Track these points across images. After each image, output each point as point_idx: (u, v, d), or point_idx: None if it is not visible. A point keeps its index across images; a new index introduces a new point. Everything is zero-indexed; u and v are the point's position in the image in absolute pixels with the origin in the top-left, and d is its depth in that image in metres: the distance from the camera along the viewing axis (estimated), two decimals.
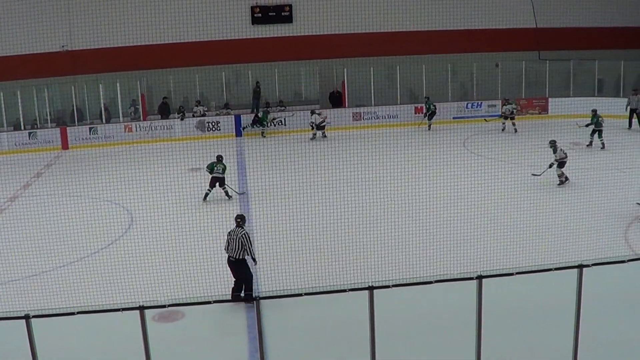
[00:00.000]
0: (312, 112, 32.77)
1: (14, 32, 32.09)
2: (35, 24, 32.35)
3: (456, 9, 35.76)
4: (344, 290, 9.86)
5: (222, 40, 34.93)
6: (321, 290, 10.14)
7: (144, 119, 34.22)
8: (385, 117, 35.28)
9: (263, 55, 35.53)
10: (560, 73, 36.40)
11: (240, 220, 15.09)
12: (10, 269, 16.72)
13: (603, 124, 27.88)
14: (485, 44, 36.65)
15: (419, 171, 21.76)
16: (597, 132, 27.97)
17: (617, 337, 12.50)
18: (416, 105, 35.23)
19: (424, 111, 34.37)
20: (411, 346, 12.21)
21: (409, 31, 35.95)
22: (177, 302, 11.65)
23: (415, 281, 10.37)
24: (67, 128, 32.72)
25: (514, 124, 32.44)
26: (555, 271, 10.35)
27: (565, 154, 22.97)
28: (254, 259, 14.97)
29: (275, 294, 10.74)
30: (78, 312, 9.33)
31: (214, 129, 33.95)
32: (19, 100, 32.11)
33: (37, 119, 33.50)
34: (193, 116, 34.39)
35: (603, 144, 27.84)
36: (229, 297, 14.56)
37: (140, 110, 34.61)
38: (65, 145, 32.29)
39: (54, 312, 9.47)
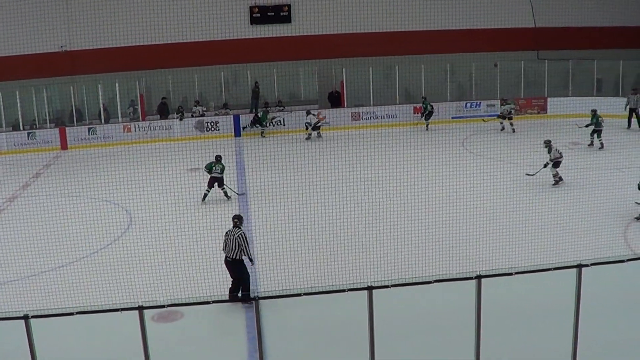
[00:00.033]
0: (308, 113, 32.77)
1: (13, 32, 32.07)
2: (34, 24, 32.32)
3: (455, 9, 35.74)
4: (343, 290, 9.87)
5: (221, 40, 34.91)
6: (320, 290, 10.15)
7: (143, 119, 34.20)
8: (384, 117, 35.26)
9: (262, 55, 35.52)
10: (559, 73, 36.38)
11: (238, 220, 15.09)
12: (9, 269, 16.73)
13: (603, 124, 27.88)
14: (484, 44, 36.64)
15: (418, 171, 21.75)
16: (596, 132, 27.96)
17: (617, 337, 12.51)
18: (415, 105, 35.18)
19: (422, 111, 34.36)
20: (410, 346, 12.22)
21: (407, 31, 35.90)
22: (176, 302, 11.62)
23: (414, 281, 10.38)
24: (66, 128, 32.71)
25: (511, 124, 32.43)
26: (554, 271, 10.36)
27: (560, 153, 22.96)
28: (250, 259, 14.97)
29: (274, 294, 10.74)
30: (77, 313, 9.34)
31: (212, 129, 33.94)
32: (18, 101, 32.10)
33: (36, 119, 33.48)
34: (192, 116, 34.38)
35: (602, 144, 27.85)
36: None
37: (139, 110, 34.59)
38: (64, 146, 32.29)
39: (53, 312, 9.48)
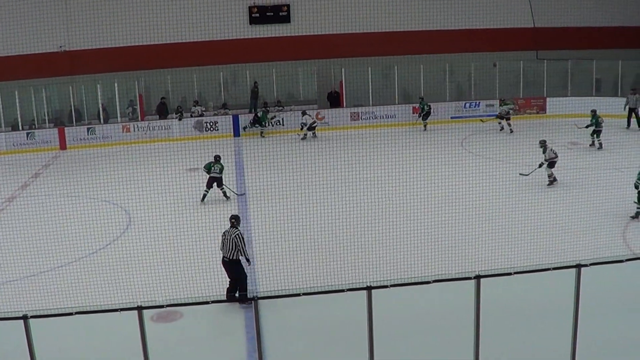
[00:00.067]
0: (304, 113, 32.76)
1: (12, 32, 32.09)
2: (33, 24, 32.34)
3: (454, 9, 35.76)
4: (342, 290, 9.88)
5: (220, 41, 34.93)
6: (319, 290, 10.15)
7: (142, 119, 34.21)
8: (383, 117, 35.26)
9: (261, 55, 35.53)
10: (558, 72, 36.39)
11: (235, 220, 15.09)
12: (8, 269, 16.73)
13: (602, 124, 27.86)
14: (483, 44, 36.65)
15: (417, 171, 21.75)
16: (596, 132, 27.93)
17: (616, 336, 12.51)
18: (414, 105, 35.17)
19: (419, 112, 34.33)
20: (409, 346, 12.22)
21: (406, 31, 35.91)
22: (176, 302, 11.64)
23: (413, 281, 10.38)
24: (65, 128, 32.71)
25: (509, 125, 32.39)
26: (553, 271, 10.36)
27: (555, 154, 22.96)
28: (247, 259, 14.97)
29: (273, 294, 10.74)
30: (76, 313, 9.34)
31: (211, 129, 33.93)
32: (17, 101, 32.09)
33: (35, 119, 33.47)
34: (191, 116, 34.37)
35: (600, 144, 27.84)
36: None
37: (138, 110, 34.60)
38: (63, 146, 32.28)
39: (52, 312, 9.47)
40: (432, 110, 34.05)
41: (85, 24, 33.33)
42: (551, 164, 22.89)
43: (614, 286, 13.58)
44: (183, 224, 19.61)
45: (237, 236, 14.65)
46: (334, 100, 36.27)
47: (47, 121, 33.79)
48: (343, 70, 35.56)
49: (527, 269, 10.52)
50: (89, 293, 14.88)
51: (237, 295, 14.59)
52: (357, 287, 9.83)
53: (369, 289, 9.75)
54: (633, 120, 32.02)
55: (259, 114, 33.81)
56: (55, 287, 15.32)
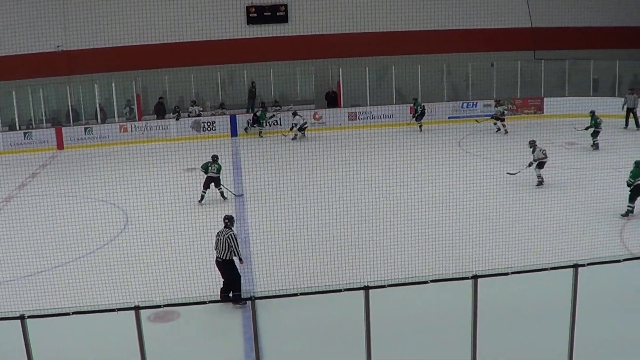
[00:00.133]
0: (295, 114, 32.75)
1: (9, 32, 32.08)
2: (31, 24, 32.33)
3: (452, 9, 35.79)
4: (340, 290, 9.87)
5: (218, 40, 34.92)
6: (317, 290, 10.14)
7: (139, 119, 34.19)
8: (380, 117, 35.27)
9: (258, 55, 35.52)
10: (556, 72, 36.41)
11: (229, 221, 15.09)
12: (5, 269, 16.73)
13: (601, 125, 27.85)
14: (481, 44, 36.69)
15: (414, 171, 21.75)
16: (595, 133, 27.90)
17: (613, 337, 12.52)
18: (411, 105, 35.09)
19: (413, 112, 34.24)
20: (407, 346, 12.23)
21: (404, 31, 35.96)
22: (173, 302, 11.63)
23: (410, 281, 10.38)
24: (63, 128, 32.68)
25: (504, 126, 32.32)
26: (550, 271, 10.37)
27: (545, 154, 22.95)
28: (240, 259, 14.96)
29: (270, 294, 10.74)
30: (73, 313, 9.33)
31: (209, 129, 33.93)
32: (14, 100, 32.08)
33: (33, 119, 33.44)
34: (188, 116, 34.35)
35: (597, 144, 27.81)
36: (229, 298, 14.58)
37: (136, 110, 34.58)
38: (60, 146, 32.25)
39: (49, 312, 9.46)
40: (426, 111, 33.97)
41: (82, 23, 33.30)
42: (540, 164, 22.89)
43: (611, 286, 13.60)
44: (180, 224, 19.61)
45: (230, 237, 14.65)
46: (332, 100, 36.27)
47: (44, 121, 33.74)
48: (340, 70, 35.56)
49: (525, 269, 10.52)
50: (86, 293, 14.87)
51: (230, 295, 14.59)
52: (355, 287, 9.82)
53: (366, 289, 9.74)
54: (631, 120, 32.06)
55: (257, 114, 33.81)
56: (53, 287, 15.30)
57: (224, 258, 14.62)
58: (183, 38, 34.70)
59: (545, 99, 36.06)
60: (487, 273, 10.18)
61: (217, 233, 14.91)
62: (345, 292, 9.83)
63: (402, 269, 15.59)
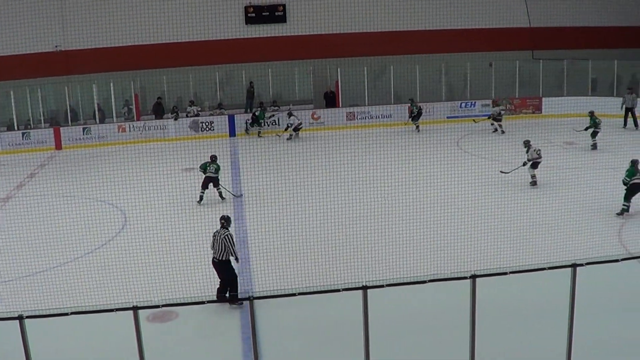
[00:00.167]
0: (290, 114, 32.76)
1: (7, 32, 32.03)
2: (29, 24, 32.29)
3: (450, 9, 35.76)
4: (338, 290, 9.87)
5: (216, 40, 34.92)
6: (315, 290, 10.13)
7: (138, 119, 34.17)
8: (379, 117, 35.27)
9: (257, 55, 35.52)
10: (554, 72, 36.44)
11: (225, 221, 15.09)
12: (3, 269, 16.71)
13: (600, 125, 27.84)
14: (479, 44, 36.69)
15: (412, 171, 21.77)
16: (594, 133, 27.89)
17: (611, 336, 12.53)
18: (409, 105, 35.16)
19: (410, 113, 34.18)
20: (405, 346, 12.24)
21: (402, 31, 35.94)
22: (171, 303, 11.63)
23: (409, 280, 10.37)
24: (61, 128, 32.66)
25: (500, 126, 32.31)
26: (549, 270, 10.36)
27: (539, 154, 22.95)
28: (236, 258, 14.95)
29: (269, 294, 10.73)
30: (72, 313, 9.32)
31: (207, 129, 33.92)
32: (12, 101, 32.05)
33: (31, 119, 33.42)
34: (187, 116, 34.34)
35: (595, 144, 27.80)
36: (225, 298, 14.58)
37: (134, 110, 34.56)
38: (58, 146, 32.24)
39: (48, 312, 9.45)
40: (423, 111, 33.91)
41: (80, 23, 33.29)
42: (534, 164, 22.90)
43: (609, 286, 13.61)
44: (179, 224, 19.60)
45: (226, 237, 14.66)
46: (330, 100, 36.28)
47: (42, 121, 33.73)
48: (339, 70, 35.57)
49: (523, 269, 10.51)
50: (84, 293, 14.87)
51: (227, 295, 14.59)
52: (353, 286, 9.82)
53: (364, 288, 9.74)
54: (629, 119, 32.08)
55: (256, 113, 33.81)
56: (51, 288, 15.29)
57: (220, 258, 14.63)
58: (181, 38, 34.69)
59: (543, 99, 36.06)
60: (485, 273, 10.18)
61: (214, 233, 14.92)
62: (344, 292, 9.83)
63: (400, 269, 15.59)
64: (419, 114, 33.67)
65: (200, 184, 22.38)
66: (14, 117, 32.38)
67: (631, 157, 20.13)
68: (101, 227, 20.10)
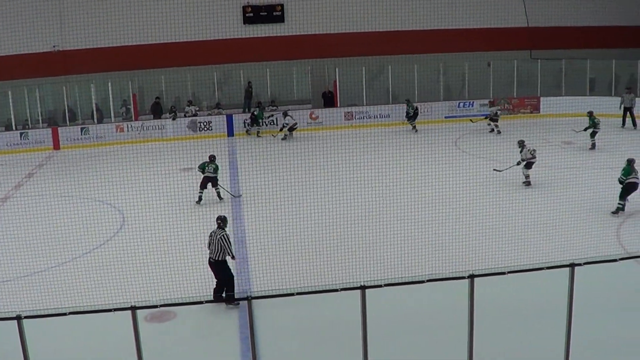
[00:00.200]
0: (285, 115, 32.75)
1: (5, 32, 32.03)
2: (27, 24, 32.25)
3: (448, 9, 35.82)
4: (336, 290, 9.86)
5: (214, 40, 34.89)
6: (313, 289, 10.13)
7: (136, 119, 34.15)
8: (377, 117, 35.26)
9: (255, 55, 35.50)
10: (552, 72, 36.44)
11: (221, 222, 15.07)
12: (1, 269, 16.71)
13: (599, 125, 27.84)
14: (477, 43, 36.70)
15: (410, 170, 21.77)
16: (593, 133, 27.88)
17: (609, 336, 12.54)
18: (406, 105, 35.16)
19: (406, 114, 34.16)
20: (403, 346, 12.24)
21: (400, 31, 35.96)
22: (169, 302, 11.62)
23: (407, 280, 10.37)
24: (59, 128, 32.62)
25: (496, 126, 32.28)
26: (547, 270, 10.36)
27: (533, 155, 22.95)
28: (232, 257, 14.94)
29: (267, 294, 10.73)
30: (70, 313, 9.31)
31: (205, 129, 33.90)
32: (10, 101, 32.00)
33: (29, 119, 33.39)
34: (185, 116, 34.32)
35: (594, 144, 27.82)
36: (222, 298, 14.58)
37: (132, 110, 34.55)
38: (56, 146, 32.21)
39: (46, 312, 9.45)
40: (419, 111, 33.85)
41: (78, 23, 33.24)
42: (528, 164, 22.90)
43: (607, 285, 13.61)
44: (177, 223, 19.58)
45: (222, 237, 14.65)
46: (328, 100, 36.26)
47: (40, 121, 33.71)
48: (337, 69, 35.56)
49: (521, 268, 10.51)
50: (83, 293, 14.85)
51: (223, 295, 14.59)
52: (351, 286, 9.81)
53: (362, 288, 9.74)
54: (628, 119, 32.10)
55: (255, 113, 33.81)
56: (49, 288, 15.29)
57: (216, 259, 14.62)
58: (179, 38, 34.68)
59: (541, 99, 36.04)
60: (483, 272, 10.18)
61: (210, 233, 14.91)
62: (342, 291, 9.83)
63: (398, 269, 15.61)
64: (415, 114, 33.65)
65: (199, 184, 22.36)
66: (12, 117, 32.31)
67: (629, 157, 20.18)
68: (99, 227, 20.08)
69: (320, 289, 10.07)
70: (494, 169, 23.34)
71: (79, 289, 15.19)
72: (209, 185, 22.39)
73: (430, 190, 20.74)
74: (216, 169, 22.46)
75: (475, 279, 10.00)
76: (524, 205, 20.67)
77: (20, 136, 31.96)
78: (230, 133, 33.99)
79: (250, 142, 32.43)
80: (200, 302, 10.82)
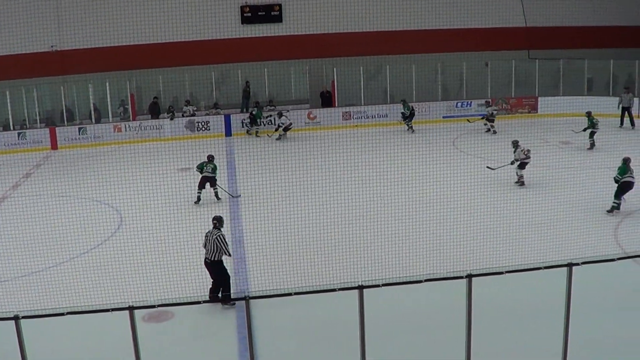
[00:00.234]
0: (280, 115, 32.76)
1: (3, 32, 32.00)
2: (24, 24, 32.23)
3: (446, 9, 35.80)
4: (334, 290, 9.85)
5: (212, 40, 34.88)
6: (311, 289, 10.13)
7: (134, 119, 34.14)
8: (375, 117, 35.27)
9: (253, 54, 35.50)
10: (550, 72, 36.46)
11: (217, 222, 15.07)
12: None
13: (598, 125, 27.85)
14: (475, 43, 36.72)
15: (408, 170, 21.77)
16: (592, 133, 27.89)
17: (607, 335, 12.54)
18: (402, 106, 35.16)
19: (402, 114, 34.13)
20: (401, 345, 12.24)
21: (398, 30, 35.92)
22: (167, 302, 11.60)
23: (405, 280, 10.37)
24: (57, 128, 32.60)
25: (492, 127, 32.29)
26: (545, 270, 10.36)
27: (527, 155, 22.93)
28: (229, 254, 14.93)
29: (265, 294, 10.73)
30: (67, 313, 9.30)
31: (203, 128, 33.90)
32: (8, 101, 31.97)
33: (26, 119, 33.35)
34: (183, 116, 34.32)
35: (592, 144, 27.82)
36: (218, 298, 14.57)
37: (130, 110, 34.54)
38: (54, 146, 32.19)
39: (44, 312, 9.44)
40: (415, 112, 33.82)
41: (76, 23, 33.24)
42: (522, 164, 22.89)
43: (605, 285, 13.62)
44: (174, 224, 19.57)
45: (218, 238, 14.65)
46: (326, 100, 36.25)
47: (38, 121, 33.67)
48: (335, 69, 35.57)
49: (519, 268, 10.51)
50: (80, 293, 14.83)
51: (219, 295, 14.58)
52: (349, 286, 9.81)
53: (360, 288, 9.73)
54: (626, 119, 32.12)
55: (253, 112, 33.81)
56: (47, 288, 15.26)
57: (212, 259, 14.62)
58: (177, 38, 34.67)
59: (539, 98, 36.07)
60: (481, 272, 10.18)
61: (206, 233, 14.92)
62: (340, 291, 9.82)
63: (396, 269, 15.59)
64: (412, 114, 33.64)
65: (197, 184, 22.34)
66: (10, 117, 32.30)
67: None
68: (97, 227, 20.07)
69: (318, 289, 10.06)
70: (487, 167, 23.39)
71: (76, 289, 15.18)
72: (207, 185, 22.37)
73: (428, 190, 20.74)
74: (215, 169, 22.44)
75: (473, 279, 9.99)
76: (522, 205, 20.66)
77: (18, 136, 31.94)
78: (228, 133, 33.98)
79: (249, 142, 32.44)
80: (198, 302, 10.82)
